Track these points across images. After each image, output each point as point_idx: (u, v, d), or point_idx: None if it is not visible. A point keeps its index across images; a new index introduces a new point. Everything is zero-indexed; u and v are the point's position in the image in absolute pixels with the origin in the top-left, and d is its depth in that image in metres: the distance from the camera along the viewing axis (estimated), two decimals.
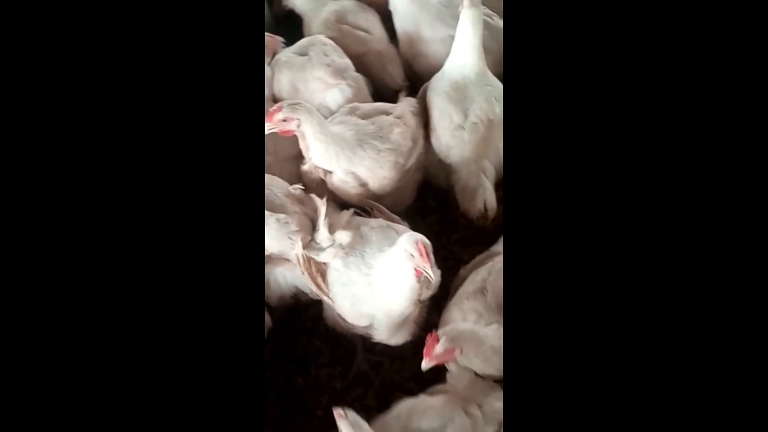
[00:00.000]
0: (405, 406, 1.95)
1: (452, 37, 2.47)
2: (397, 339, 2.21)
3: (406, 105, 2.52)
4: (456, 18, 2.43)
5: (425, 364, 1.89)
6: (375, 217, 2.30)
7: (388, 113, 2.45)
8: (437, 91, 2.49)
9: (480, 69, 2.46)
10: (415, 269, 1.93)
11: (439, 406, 1.91)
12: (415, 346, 2.34)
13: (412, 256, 1.92)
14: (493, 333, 1.93)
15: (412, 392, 2.09)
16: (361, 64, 2.73)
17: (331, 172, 2.34)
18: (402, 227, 2.24)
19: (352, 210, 2.29)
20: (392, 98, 2.67)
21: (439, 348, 1.86)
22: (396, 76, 2.82)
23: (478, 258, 2.28)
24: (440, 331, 1.90)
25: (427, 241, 1.93)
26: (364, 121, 2.39)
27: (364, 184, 2.36)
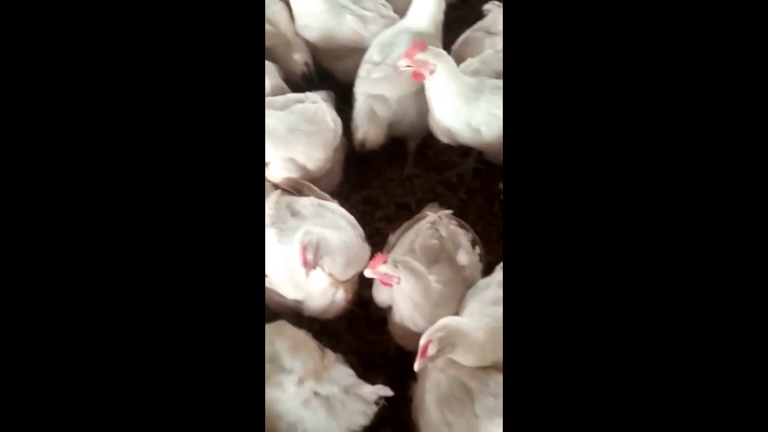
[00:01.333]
0: None
1: None
2: (327, 315, 2.31)
3: (316, 93, 2.65)
4: None
5: (418, 365, 1.87)
6: (305, 196, 2.39)
7: (302, 101, 2.55)
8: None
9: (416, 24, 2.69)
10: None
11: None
12: (349, 322, 2.51)
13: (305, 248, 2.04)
14: (476, 327, 1.98)
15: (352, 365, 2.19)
16: (270, 55, 2.82)
17: (269, 163, 2.41)
18: (333, 205, 2.35)
19: (279, 190, 2.36)
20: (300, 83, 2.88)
21: (432, 349, 1.86)
22: (300, 62, 2.93)
23: (405, 224, 2.42)
24: (430, 332, 1.90)
25: (317, 242, 2.05)
26: (284, 113, 2.48)
27: (302, 168, 2.45)
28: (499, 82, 2.50)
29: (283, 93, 2.68)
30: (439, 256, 2.23)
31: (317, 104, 2.55)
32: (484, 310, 2.06)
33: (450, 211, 2.43)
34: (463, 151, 2.85)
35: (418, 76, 2.43)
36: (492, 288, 2.13)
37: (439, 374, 1.97)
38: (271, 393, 1.94)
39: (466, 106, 2.48)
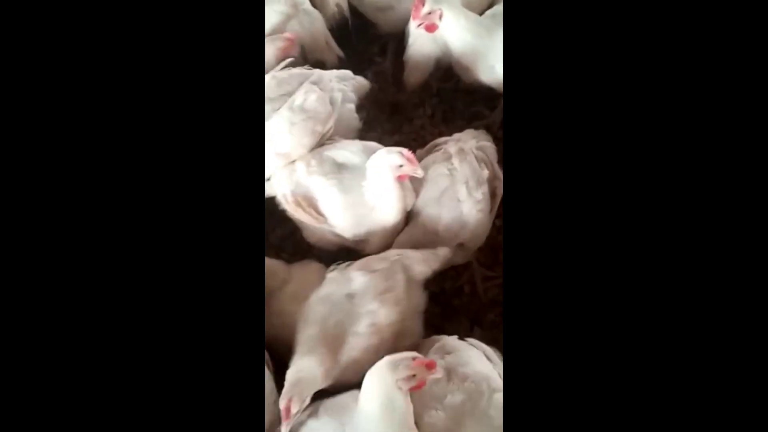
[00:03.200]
0: None
1: None
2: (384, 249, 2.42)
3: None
4: None
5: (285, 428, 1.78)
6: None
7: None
8: None
9: None
10: (399, 175, 2.13)
11: None
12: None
13: (400, 166, 2.11)
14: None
15: None
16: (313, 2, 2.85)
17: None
18: (373, 143, 2.42)
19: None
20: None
21: (294, 407, 1.78)
22: (332, 2, 2.94)
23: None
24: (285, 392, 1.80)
25: (406, 149, 2.14)
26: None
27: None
28: None
29: (325, 42, 2.72)
30: None
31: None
32: None
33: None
34: (491, 104, 2.94)
35: (431, 28, 2.51)
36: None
37: None
38: None
39: (480, 41, 2.55)
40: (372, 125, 2.86)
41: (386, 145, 2.86)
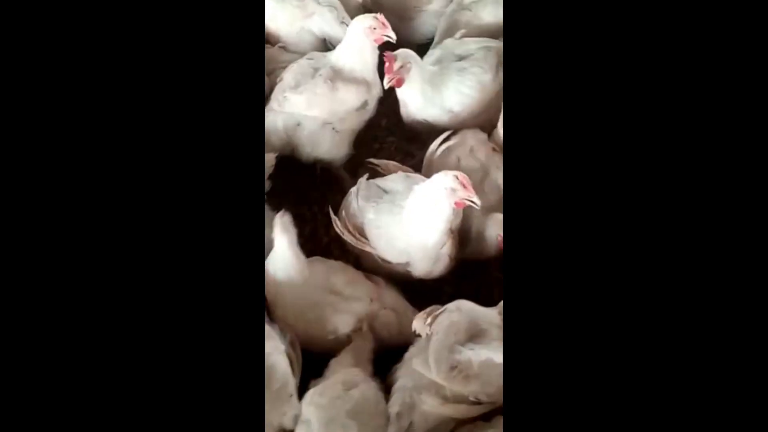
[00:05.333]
0: None
1: None
2: (434, 272, 2.46)
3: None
4: None
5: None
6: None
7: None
8: None
9: None
10: (456, 202, 2.21)
11: None
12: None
13: (454, 190, 2.19)
14: None
15: None
16: None
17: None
18: (417, 175, 2.54)
19: (366, 175, 2.57)
20: None
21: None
22: None
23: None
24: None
25: (465, 175, 2.22)
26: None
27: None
28: (463, 63, 2.71)
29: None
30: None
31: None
32: None
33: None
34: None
35: (400, 83, 2.62)
36: None
37: None
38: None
39: (437, 90, 2.67)
40: None
41: None
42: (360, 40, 2.59)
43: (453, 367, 1.96)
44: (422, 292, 2.46)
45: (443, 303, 2.19)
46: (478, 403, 1.98)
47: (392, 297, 2.35)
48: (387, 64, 2.53)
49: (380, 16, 2.55)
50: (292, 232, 2.16)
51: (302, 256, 2.23)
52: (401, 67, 2.54)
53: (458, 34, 2.89)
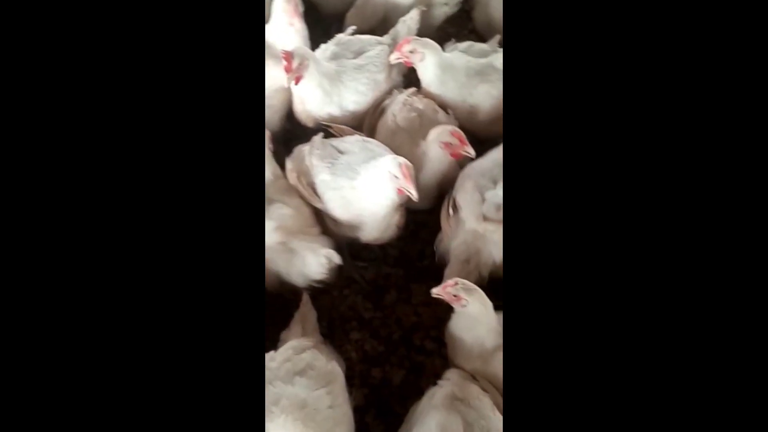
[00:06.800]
0: None
1: None
2: (382, 238, 2.51)
3: None
4: None
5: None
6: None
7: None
8: None
9: None
10: (398, 188, 2.23)
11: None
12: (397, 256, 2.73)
13: (396, 177, 2.20)
14: None
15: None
16: None
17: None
18: (372, 140, 2.54)
19: (320, 134, 2.53)
20: None
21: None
22: None
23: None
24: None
25: (410, 164, 2.22)
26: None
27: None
28: (359, 61, 2.72)
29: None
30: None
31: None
32: None
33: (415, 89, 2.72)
34: None
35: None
36: None
37: None
38: None
39: (335, 88, 2.65)
40: None
41: None
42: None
43: None
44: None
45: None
46: None
47: None
48: (285, 63, 2.47)
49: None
50: None
51: None
52: (299, 64, 2.49)
53: (349, 30, 2.87)
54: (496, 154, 2.48)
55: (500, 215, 2.29)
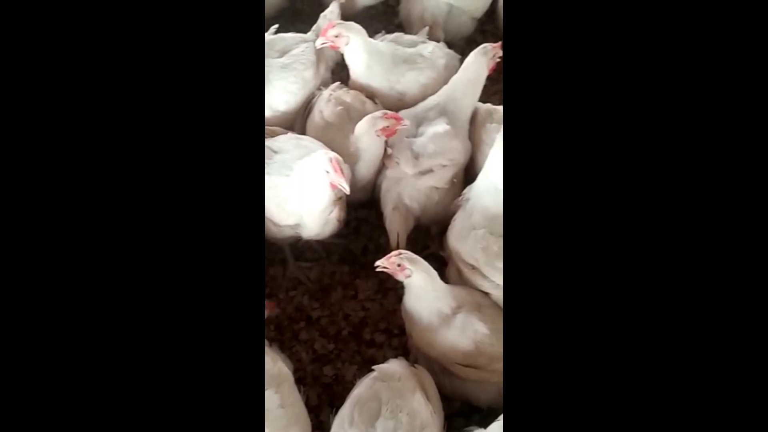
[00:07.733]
0: None
1: None
2: (323, 233, 2.48)
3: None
4: None
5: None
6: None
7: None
8: None
9: None
10: (331, 183, 2.22)
11: None
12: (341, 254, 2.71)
13: (327, 172, 2.19)
14: None
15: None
16: None
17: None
18: (305, 137, 2.52)
19: None
20: None
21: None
22: None
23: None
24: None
25: (340, 158, 2.22)
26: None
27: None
28: (285, 60, 2.70)
29: None
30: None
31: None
32: None
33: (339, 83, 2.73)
34: None
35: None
36: None
37: None
38: None
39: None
40: None
41: None
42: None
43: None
44: None
45: None
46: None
47: None
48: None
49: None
50: None
51: None
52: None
53: (272, 29, 2.86)
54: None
55: (420, 163, 2.42)
